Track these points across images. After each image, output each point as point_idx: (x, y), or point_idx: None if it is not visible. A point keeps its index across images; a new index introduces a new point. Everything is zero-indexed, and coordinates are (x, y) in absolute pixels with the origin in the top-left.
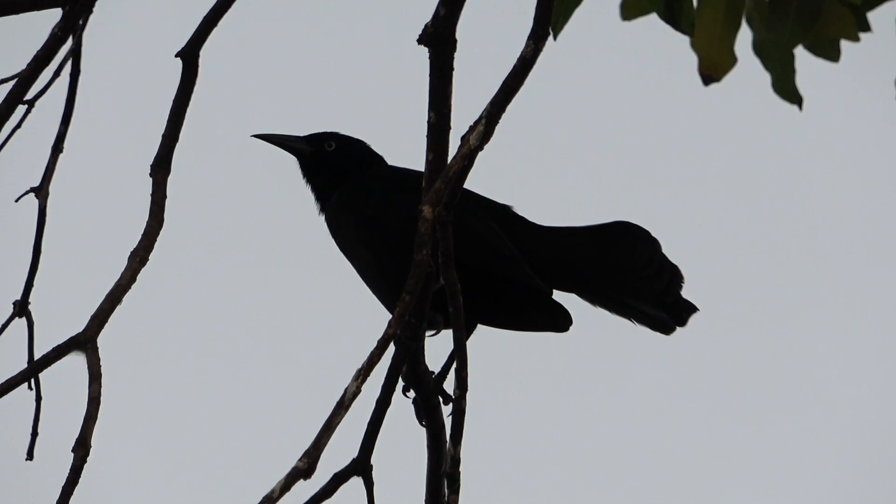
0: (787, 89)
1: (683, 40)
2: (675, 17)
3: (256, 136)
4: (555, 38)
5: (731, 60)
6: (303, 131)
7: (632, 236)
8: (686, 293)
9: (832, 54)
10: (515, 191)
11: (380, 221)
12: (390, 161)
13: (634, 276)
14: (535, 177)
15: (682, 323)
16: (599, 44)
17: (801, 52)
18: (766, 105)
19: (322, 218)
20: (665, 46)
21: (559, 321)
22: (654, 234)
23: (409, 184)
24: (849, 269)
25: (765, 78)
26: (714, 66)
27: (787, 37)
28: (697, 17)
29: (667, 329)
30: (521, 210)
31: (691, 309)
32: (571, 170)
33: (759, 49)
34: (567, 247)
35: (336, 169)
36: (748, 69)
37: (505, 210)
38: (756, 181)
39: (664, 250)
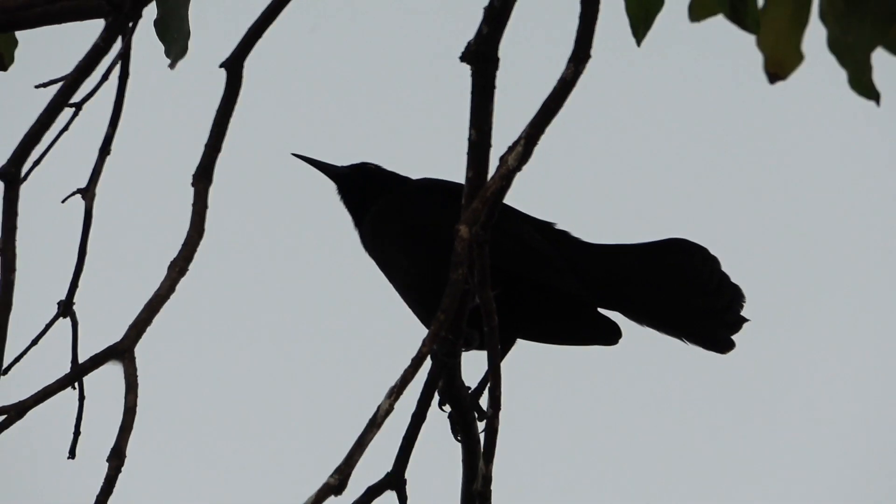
0: (863, 85)
1: (749, 41)
2: (740, 15)
3: (296, 155)
4: (638, 44)
5: (798, 58)
6: (345, 144)
7: (687, 252)
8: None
9: None
10: (564, 209)
11: (424, 231)
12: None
13: (691, 294)
14: (591, 191)
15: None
16: (658, 51)
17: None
18: (839, 100)
19: (358, 233)
20: (730, 48)
21: (606, 334)
22: (712, 252)
23: (451, 195)
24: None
25: (834, 73)
26: (780, 64)
27: (866, 38)
28: (763, 15)
29: (724, 348)
30: (564, 227)
31: (742, 321)
32: (639, 178)
33: (833, 47)
34: (614, 262)
35: (373, 185)
36: (816, 64)
37: (549, 226)
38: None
39: (723, 268)
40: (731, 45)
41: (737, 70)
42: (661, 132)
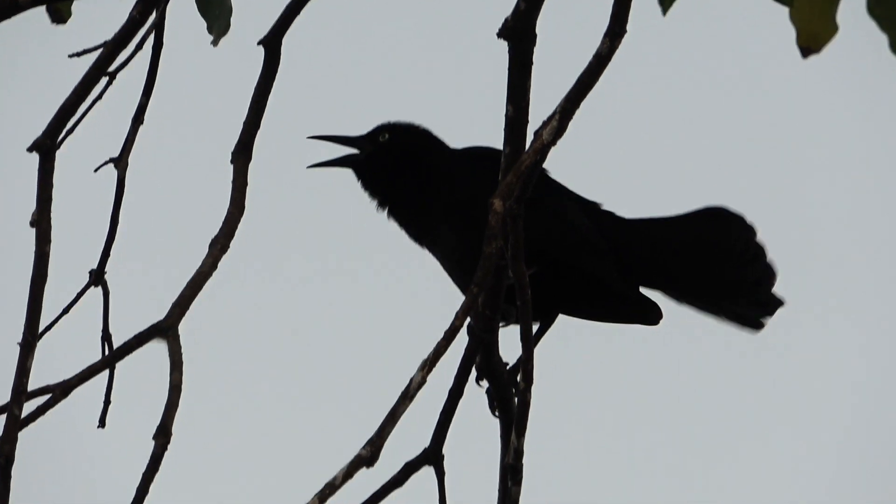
0: None
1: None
2: None
3: (313, 136)
4: (664, 14)
5: (832, 29)
6: (382, 119)
7: (726, 221)
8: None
9: None
10: (602, 183)
11: (472, 205)
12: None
13: (729, 264)
14: (623, 165)
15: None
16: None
17: None
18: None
19: (384, 213)
20: (753, 24)
21: (648, 315)
22: (749, 220)
23: (493, 165)
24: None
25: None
26: (814, 37)
27: None
28: None
29: (756, 326)
30: (609, 207)
31: (778, 303)
32: (665, 157)
33: (874, 11)
34: (656, 237)
35: (396, 160)
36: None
37: (594, 206)
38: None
39: (760, 238)
40: (758, 17)
41: (765, 44)
42: (695, 104)
